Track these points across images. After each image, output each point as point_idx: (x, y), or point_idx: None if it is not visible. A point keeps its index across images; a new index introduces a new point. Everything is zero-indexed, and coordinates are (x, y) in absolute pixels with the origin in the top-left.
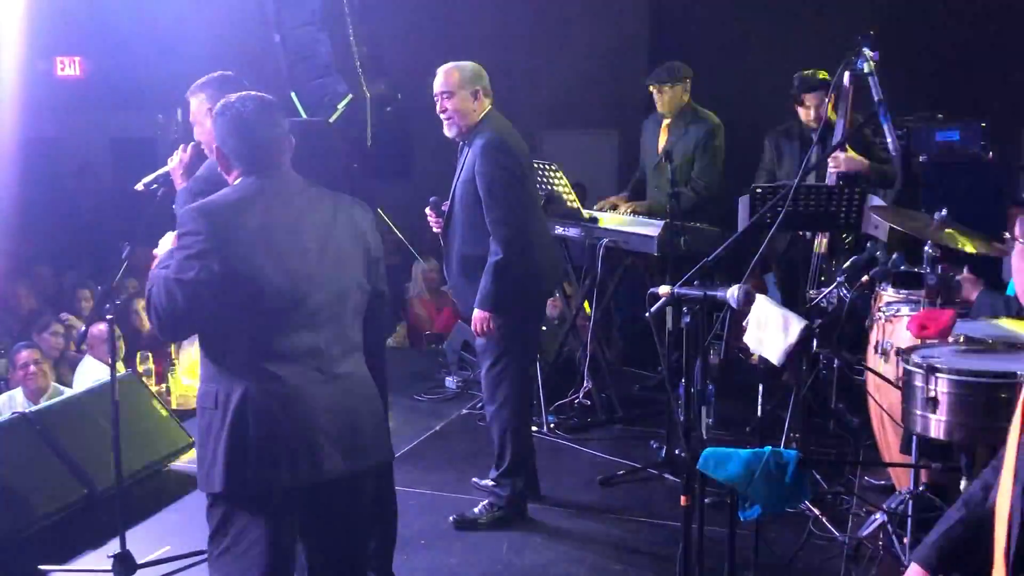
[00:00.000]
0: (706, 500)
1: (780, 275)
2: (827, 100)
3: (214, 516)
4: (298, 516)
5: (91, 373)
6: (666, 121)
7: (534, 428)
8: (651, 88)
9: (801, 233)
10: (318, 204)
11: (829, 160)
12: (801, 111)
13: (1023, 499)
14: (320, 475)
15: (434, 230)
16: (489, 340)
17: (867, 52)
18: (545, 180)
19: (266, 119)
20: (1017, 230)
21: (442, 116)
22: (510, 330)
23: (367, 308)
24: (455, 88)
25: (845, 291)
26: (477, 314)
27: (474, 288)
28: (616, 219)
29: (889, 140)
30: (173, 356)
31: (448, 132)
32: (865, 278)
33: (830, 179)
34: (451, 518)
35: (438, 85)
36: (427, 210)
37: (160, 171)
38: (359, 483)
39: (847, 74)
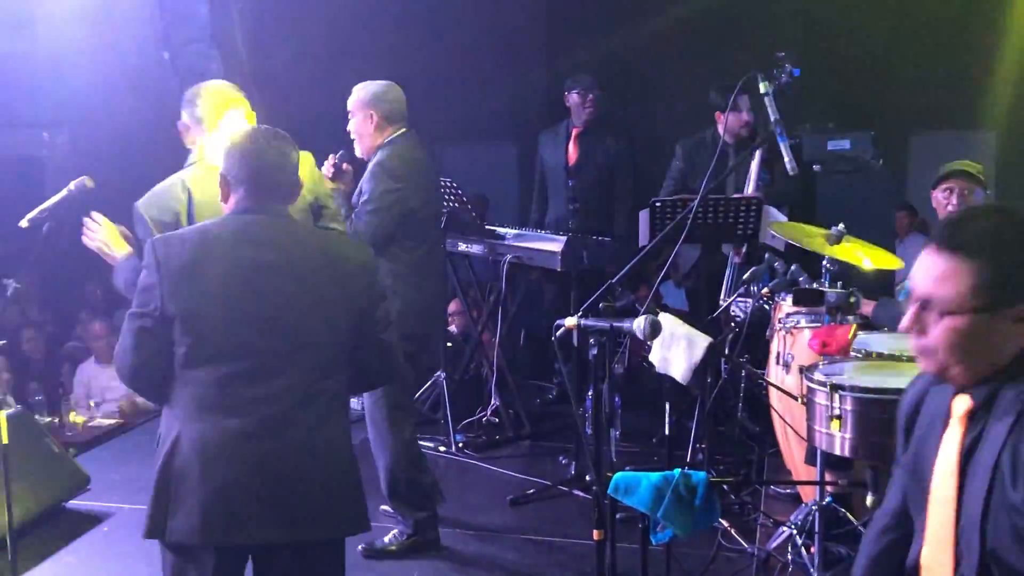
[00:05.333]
0: (618, 516)
1: (689, 285)
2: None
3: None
4: None
5: None
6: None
7: (442, 448)
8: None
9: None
10: (300, 244)
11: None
12: (732, 117)
13: (981, 542)
14: (242, 538)
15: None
16: None
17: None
18: (446, 197)
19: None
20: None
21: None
22: None
23: (355, 359)
24: (353, 109)
25: (748, 301)
26: None
27: None
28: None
29: (787, 160)
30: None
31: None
32: (765, 290)
33: (753, 187)
34: (359, 547)
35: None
36: (331, 158)
37: (46, 204)
38: (306, 556)
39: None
